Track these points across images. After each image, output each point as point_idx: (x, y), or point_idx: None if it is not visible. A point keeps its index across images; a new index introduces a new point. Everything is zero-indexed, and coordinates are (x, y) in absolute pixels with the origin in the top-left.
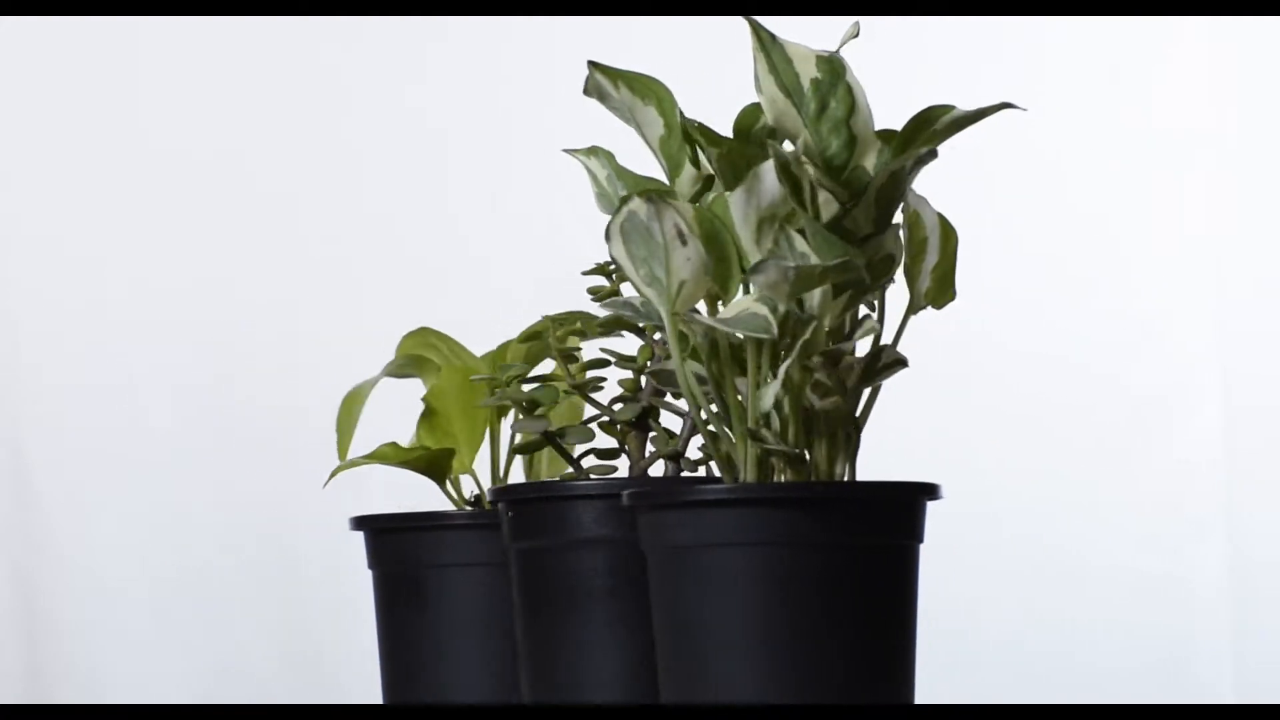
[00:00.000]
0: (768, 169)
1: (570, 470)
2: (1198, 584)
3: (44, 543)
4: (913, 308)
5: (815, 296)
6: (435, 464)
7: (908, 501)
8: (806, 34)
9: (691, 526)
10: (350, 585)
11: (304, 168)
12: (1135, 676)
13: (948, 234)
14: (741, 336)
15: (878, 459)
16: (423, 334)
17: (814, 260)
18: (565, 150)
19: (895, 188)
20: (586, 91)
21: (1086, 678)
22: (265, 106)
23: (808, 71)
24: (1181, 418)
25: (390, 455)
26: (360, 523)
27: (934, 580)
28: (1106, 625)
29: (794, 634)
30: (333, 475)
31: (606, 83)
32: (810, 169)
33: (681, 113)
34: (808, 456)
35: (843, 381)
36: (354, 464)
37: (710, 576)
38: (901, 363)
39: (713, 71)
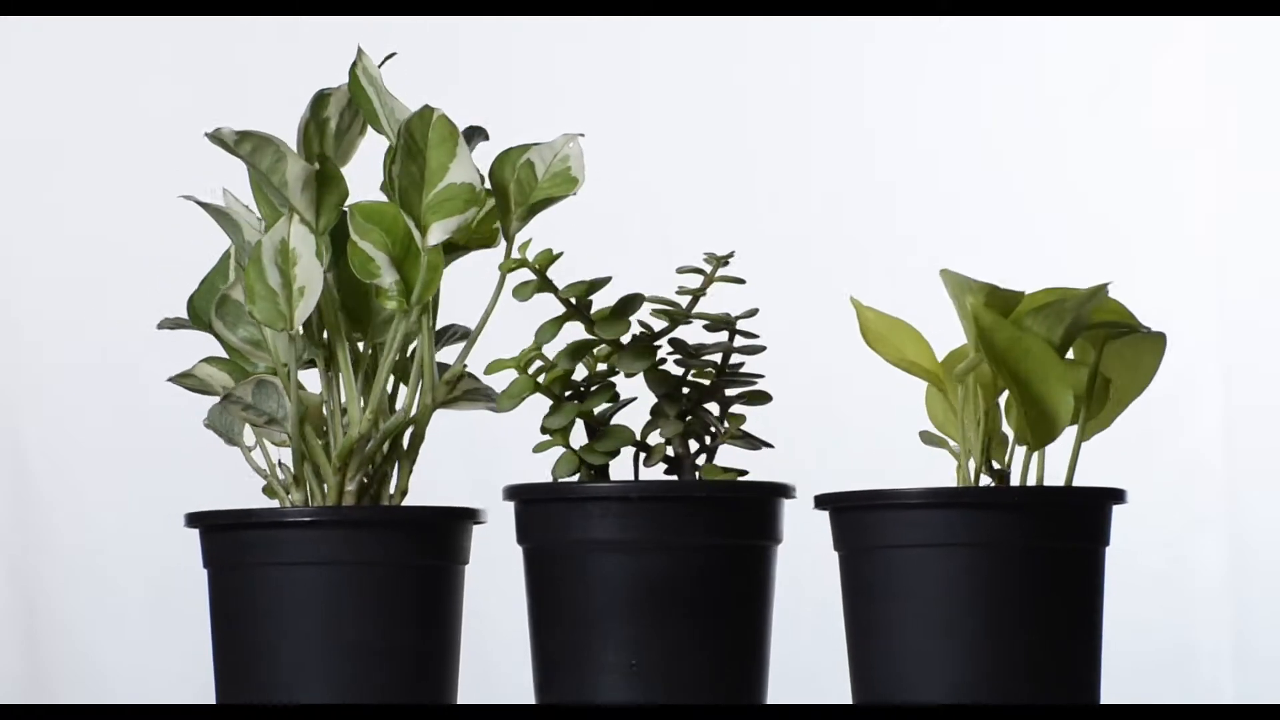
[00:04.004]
0: None
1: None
2: (1199, 581)
3: (44, 540)
4: None
5: None
6: None
7: (450, 525)
8: (808, 34)
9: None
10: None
11: None
12: (1135, 675)
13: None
14: None
15: (885, 457)
16: None
17: None
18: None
19: None
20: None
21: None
22: (267, 91)
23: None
24: (1183, 415)
25: None
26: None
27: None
28: (1106, 623)
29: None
30: None
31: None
32: None
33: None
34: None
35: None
36: None
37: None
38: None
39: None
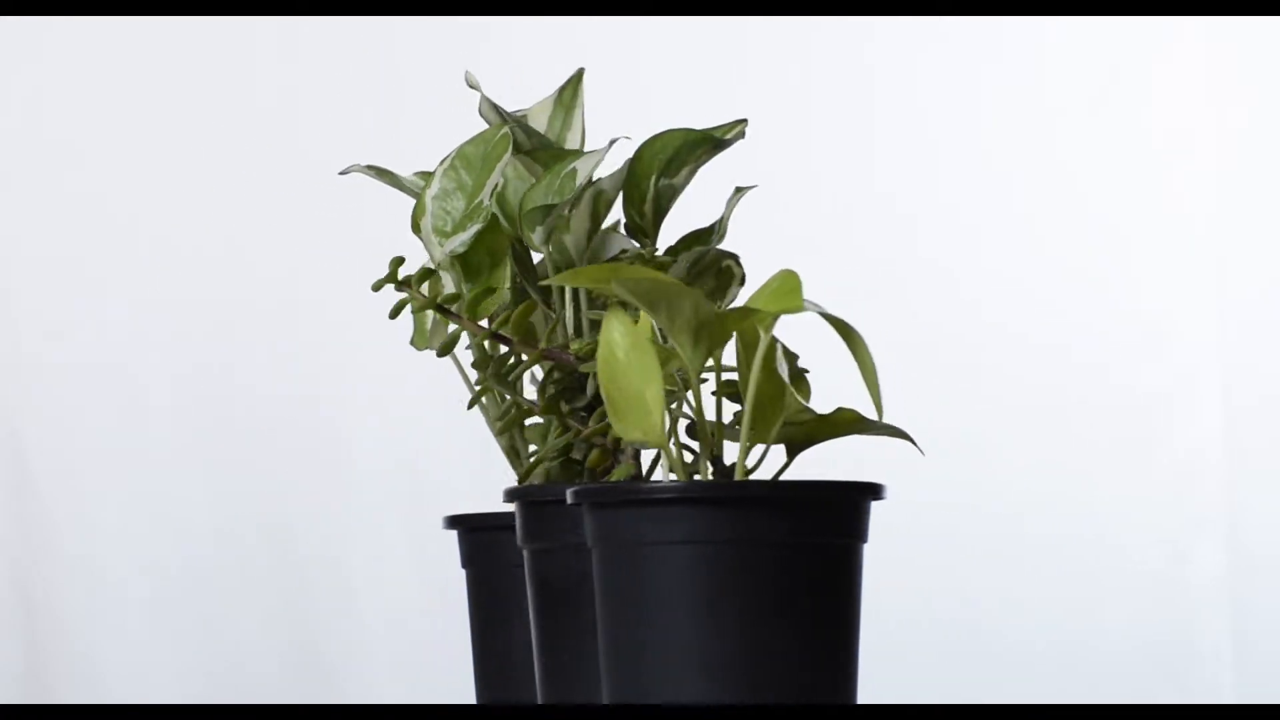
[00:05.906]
0: None
1: None
2: (1198, 581)
3: (44, 540)
4: None
5: None
6: None
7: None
8: (806, 34)
9: None
10: (351, 581)
11: (311, 152)
12: (1135, 675)
13: None
14: None
15: (887, 455)
16: None
17: None
18: None
19: None
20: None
21: (1085, 676)
22: (271, 88)
23: None
24: (1183, 415)
25: None
26: None
27: (935, 575)
28: (1106, 623)
29: None
30: None
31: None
32: None
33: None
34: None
35: None
36: None
37: None
38: None
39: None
